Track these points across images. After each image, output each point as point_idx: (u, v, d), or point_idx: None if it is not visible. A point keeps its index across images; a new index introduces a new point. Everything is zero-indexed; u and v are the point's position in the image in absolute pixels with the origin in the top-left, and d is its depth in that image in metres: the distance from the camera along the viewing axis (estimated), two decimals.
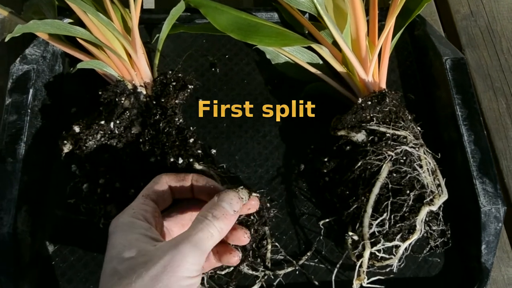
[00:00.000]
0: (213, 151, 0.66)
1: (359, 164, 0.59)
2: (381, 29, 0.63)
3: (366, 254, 0.54)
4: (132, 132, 0.61)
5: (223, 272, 0.56)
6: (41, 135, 0.63)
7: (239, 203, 0.47)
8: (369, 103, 0.62)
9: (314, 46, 0.65)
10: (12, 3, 0.66)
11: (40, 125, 0.63)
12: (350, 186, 0.60)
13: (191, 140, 0.59)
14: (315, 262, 0.60)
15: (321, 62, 0.69)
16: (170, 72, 0.64)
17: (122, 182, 0.58)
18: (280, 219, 0.62)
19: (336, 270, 0.58)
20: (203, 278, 0.56)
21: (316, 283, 0.59)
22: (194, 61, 0.73)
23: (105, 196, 0.58)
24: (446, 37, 0.80)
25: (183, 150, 0.58)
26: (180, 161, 0.56)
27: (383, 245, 0.55)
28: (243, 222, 0.53)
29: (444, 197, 0.57)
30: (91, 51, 0.63)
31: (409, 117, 0.62)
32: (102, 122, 0.59)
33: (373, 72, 0.64)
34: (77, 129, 0.60)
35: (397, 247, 0.55)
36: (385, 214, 0.56)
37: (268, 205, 0.55)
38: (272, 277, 0.58)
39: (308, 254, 0.60)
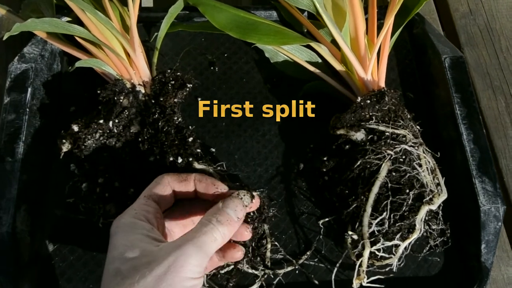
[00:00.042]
0: (212, 150, 0.66)
1: (358, 163, 0.59)
2: (380, 27, 0.62)
3: (366, 254, 0.54)
4: (131, 131, 0.60)
5: (222, 271, 0.56)
6: (39, 134, 0.63)
7: (243, 210, 0.48)
8: (368, 101, 0.62)
9: (313, 44, 0.65)
10: (10, 2, 0.66)
11: (38, 124, 0.63)
12: (349, 185, 0.60)
13: (190, 139, 0.59)
14: (314, 261, 0.60)
15: (320, 60, 0.69)
16: (168, 70, 0.64)
17: (121, 181, 0.58)
18: (280, 219, 0.62)
19: (335, 269, 0.58)
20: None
21: (316, 282, 0.59)
22: (192, 59, 0.73)
23: (104, 195, 0.58)
24: (445, 35, 0.80)
25: (182, 149, 0.58)
26: (180, 160, 0.56)
27: (383, 244, 0.55)
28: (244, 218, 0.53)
29: (444, 196, 0.57)
30: (89, 49, 0.63)
31: (408, 116, 0.62)
32: (101, 121, 0.59)
33: (372, 71, 0.64)
34: (76, 128, 0.59)
35: (396, 246, 0.55)
36: (384, 213, 0.56)
37: (267, 204, 0.55)
38: (272, 276, 0.58)
39: (308, 253, 0.60)
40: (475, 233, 0.59)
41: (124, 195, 0.57)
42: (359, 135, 0.61)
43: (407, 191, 0.57)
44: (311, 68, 0.67)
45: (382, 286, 0.56)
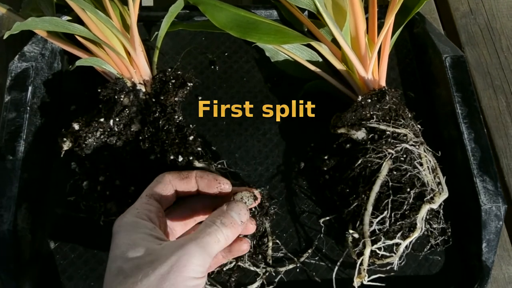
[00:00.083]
0: (213, 148, 0.66)
1: (359, 162, 0.59)
2: (380, 26, 0.62)
3: (367, 252, 0.54)
4: (132, 129, 0.60)
5: (224, 269, 0.56)
6: (40, 132, 0.63)
7: (247, 215, 0.48)
8: (369, 101, 0.62)
9: (314, 43, 0.65)
10: (10, 0, 0.66)
11: (39, 122, 0.63)
12: (350, 184, 0.60)
13: (191, 137, 0.59)
14: (315, 260, 0.60)
15: (320, 60, 0.69)
16: (169, 69, 0.64)
17: (122, 179, 0.58)
18: (281, 217, 0.62)
19: (336, 268, 0.58)
20: None
21: (318, 280, 0.59)
22: (193, 58, 0.73)
23: (105, 193, 0.58)
24: (446, 35, 0.80)
25: (182, 147, 0.58)
26: (180, 159, 0.56)
27: (384, 243, 0.55)
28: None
29: (445, 195, 0.57)
30: (90, 48, 0.63)
31: (409, 115, 0.62)
32: (102, 120, 0.59)
33: (373, 70, 0.64)
34: (76, 126, 0.59)
35: (397, 245, 0.56)
36: (385, 212, 0.56)
37: (266, 197, 0.56)
38: (273, 274, 0.58)
39: (309, 251, 0.60)
40: (476, 232, 0.59)
41: (125, 193, 0.57)
42: (360, 134, 0.61)
43: (408, 190, 0.57)
44: (312, 67, 0.67)
45: (383, 284, 0.56)
